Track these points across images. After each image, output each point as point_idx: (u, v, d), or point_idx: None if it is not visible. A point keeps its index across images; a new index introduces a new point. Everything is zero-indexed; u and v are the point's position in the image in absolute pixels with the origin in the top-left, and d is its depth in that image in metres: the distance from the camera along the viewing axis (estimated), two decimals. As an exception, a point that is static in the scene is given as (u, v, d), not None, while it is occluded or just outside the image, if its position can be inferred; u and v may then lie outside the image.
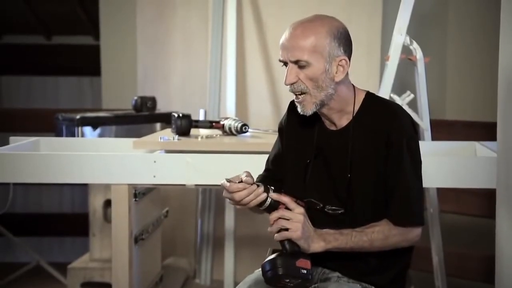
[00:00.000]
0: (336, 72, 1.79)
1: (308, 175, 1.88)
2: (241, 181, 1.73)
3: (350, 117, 1.85)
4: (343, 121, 1.86)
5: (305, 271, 1.70)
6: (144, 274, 2.79)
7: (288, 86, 1.82)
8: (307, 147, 1.90)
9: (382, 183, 1.81)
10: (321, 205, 1.86)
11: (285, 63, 1.80)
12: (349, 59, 1.81)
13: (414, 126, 1.87)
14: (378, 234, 1.78)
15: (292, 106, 1.95)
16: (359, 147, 1.82)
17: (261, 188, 1.74)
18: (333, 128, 1.88)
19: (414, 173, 1.82)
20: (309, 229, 1.74)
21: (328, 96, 1.80)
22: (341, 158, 1.84)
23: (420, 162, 1.86)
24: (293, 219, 1.72)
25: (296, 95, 1.82)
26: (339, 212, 1.84)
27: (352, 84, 1.88)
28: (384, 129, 1.80)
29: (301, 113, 1.83)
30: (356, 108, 1.85)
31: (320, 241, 1.75)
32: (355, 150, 1.82)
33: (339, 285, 1.82)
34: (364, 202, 1.82)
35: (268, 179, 1.98)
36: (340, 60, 1.79)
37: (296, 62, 1.77)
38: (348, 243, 1.77)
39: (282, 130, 1.99)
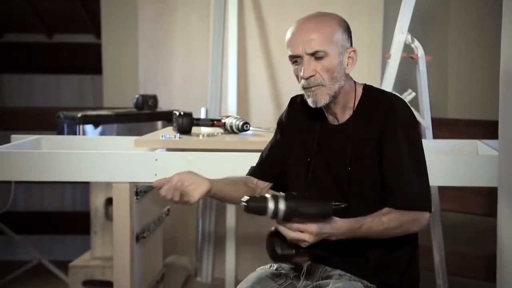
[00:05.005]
0: (347, 64, 1.80)
1: (310, 171, 1.89)
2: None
3: (351, 112, 1.85)
4: (345, 116, 1.87)
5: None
6: (145, 272, 2.79)
7: (303, 81, 1.78)
8: (309, 143, 1.90)
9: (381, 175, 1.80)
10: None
11: (296, 59, 1.78)
12: None
13: (412, 114, 1.85)
14: (394, 222, 1.73)
15: (293, 102, 1.95)
16: (359, 140, 1.82)
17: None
18: (335, 123, 1.88)
19: (414, 160, 1.78)
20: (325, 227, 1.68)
21: (340, 88, 1.80)
22: (342, 152, 1.84)
23: (420, 149, 1.82)
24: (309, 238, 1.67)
25: (309, 87, 1.79)
26: (342, 206, 1.83)
27: (353, 79, 1.88)
28: (380, 121, 1.79)
29: (312, 105, 1.81)
30: (356, 102, 1.85)
31: (344, 222, 1.70)
32: (355, 144, 1.82)
33: (340, 282, 1.81)
34: (366, 195, 1.81)
35: (261, 171, 2.00)
36: (350, 52, 1.81)
37: (313, 54, 1.76)
38: (367, 232, 1.72)
39: (283, 125, 1.99)
